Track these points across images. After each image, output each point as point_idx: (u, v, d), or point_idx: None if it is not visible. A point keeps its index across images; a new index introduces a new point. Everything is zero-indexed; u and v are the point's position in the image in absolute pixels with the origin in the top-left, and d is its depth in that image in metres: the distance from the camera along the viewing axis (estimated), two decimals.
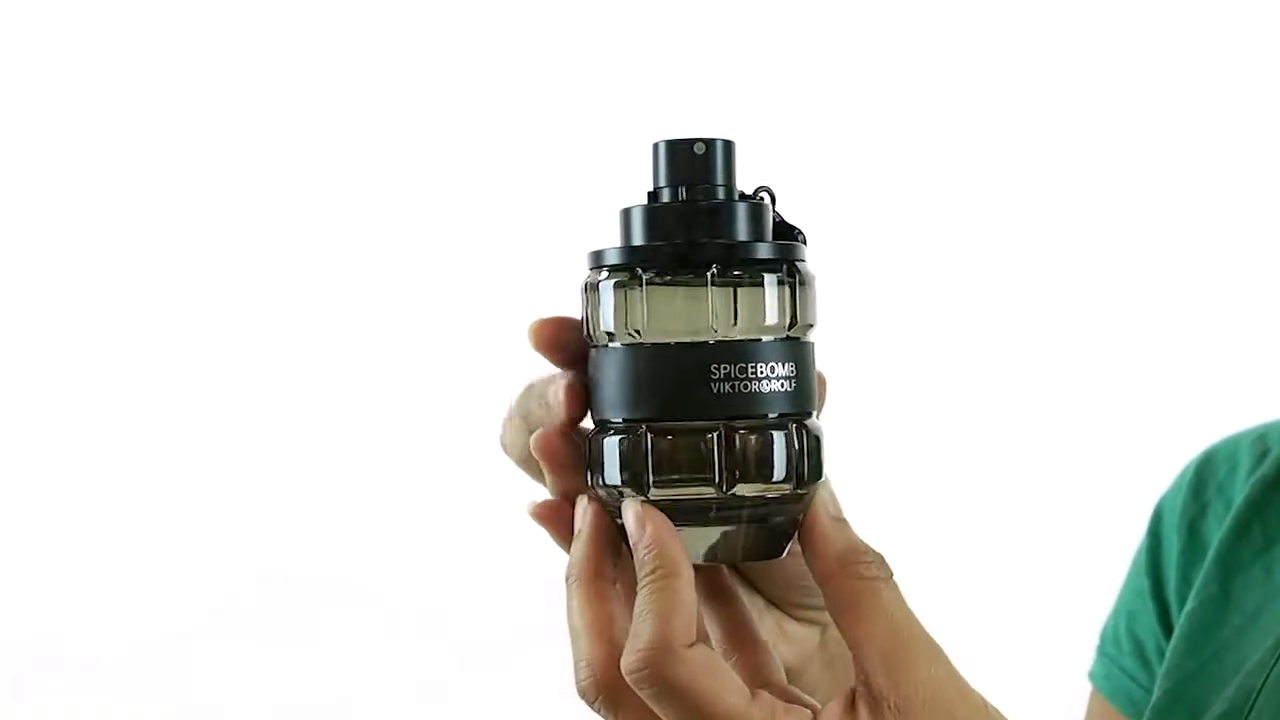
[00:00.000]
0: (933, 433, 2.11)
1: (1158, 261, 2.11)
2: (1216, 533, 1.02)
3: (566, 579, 0.73)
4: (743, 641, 0.76)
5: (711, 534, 0.72)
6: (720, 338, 0.71)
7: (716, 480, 0.71)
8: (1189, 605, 0.99)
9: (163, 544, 2.19)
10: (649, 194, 0.74)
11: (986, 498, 2.10)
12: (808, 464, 0.72)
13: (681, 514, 0.72)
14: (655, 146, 0.74)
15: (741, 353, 0.71)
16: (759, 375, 0.71)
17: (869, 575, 0.72)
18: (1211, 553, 1.00)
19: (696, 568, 0.72)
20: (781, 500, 0.72)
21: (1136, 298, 2.11)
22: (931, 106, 2.14)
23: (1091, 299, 2.12)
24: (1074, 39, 2.14)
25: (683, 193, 0.73)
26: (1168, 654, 0.99)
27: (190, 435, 2.20)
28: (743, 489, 0.71)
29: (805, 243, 0.75)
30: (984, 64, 2.14)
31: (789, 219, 0.75)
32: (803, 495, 0.73)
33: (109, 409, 2.20)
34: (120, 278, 2.19)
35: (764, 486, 0.72)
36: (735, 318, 0.71)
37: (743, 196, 0.74)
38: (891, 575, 0.73)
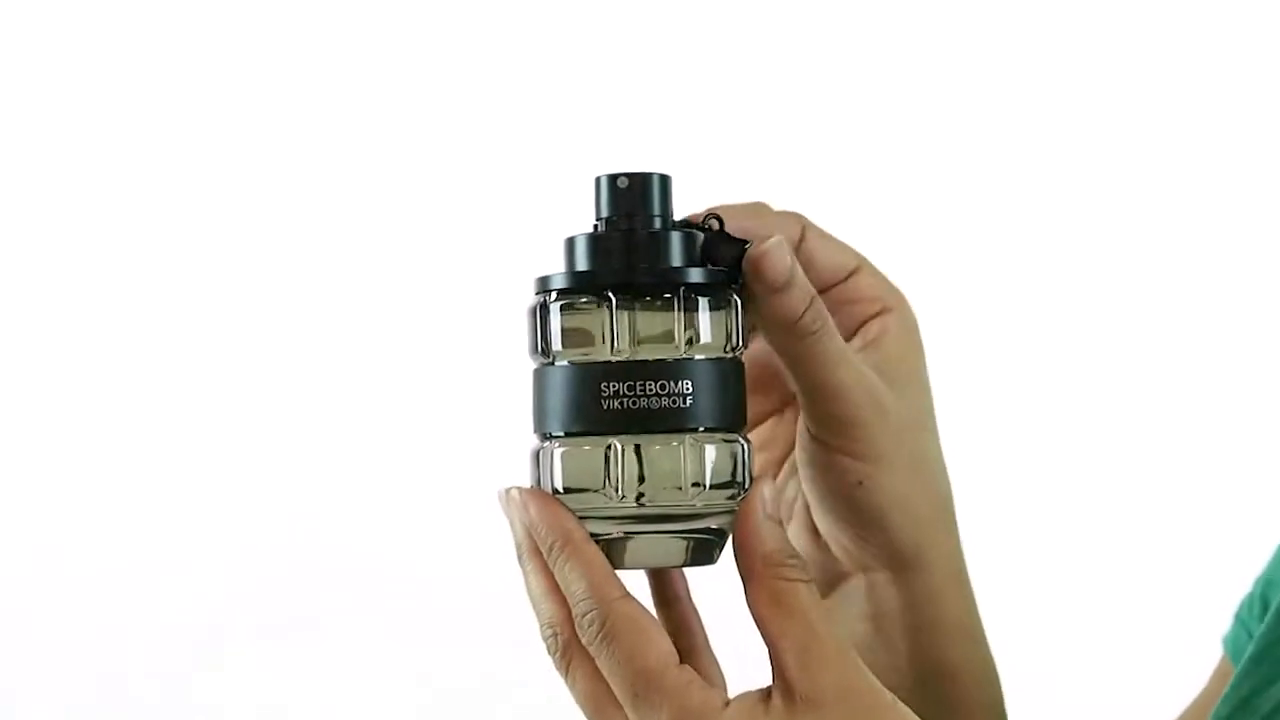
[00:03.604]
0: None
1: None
2: None
3: (519, 559, 0.79)
4: (688, 648, 0.81)
5: (618, 543, 0.78)
6: (614, 358, 0.77)
7: (604, 493, 0.77)
8: None
9: (162, 544, 2.18)
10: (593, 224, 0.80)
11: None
12: (702, 477, 0.77)
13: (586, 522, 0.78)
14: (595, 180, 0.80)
15: (627, 372, 0.76)
16: (646, 393, 0.76)
17: (791, 577, 0.76)
18: None
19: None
20: (689, 513, 0.78)
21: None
22: (928, 110, 2.10)
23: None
24: (1073, 39, 2.07)
25: (607, 224, 0.79)
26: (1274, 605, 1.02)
27: (189, 436, 2.20)
28: (631, 501, 0.77)
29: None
30: (982, 64, 2.09)
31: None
32: (706, 510, 0.78)
33: (109, 409, 2.20)
34: (120, 278, 2.19)
35: (661, 497, 0.77)
36: (631, 339, 0.77)
37: (677, 225, 0.79)
38: (811, 579, 0.77)
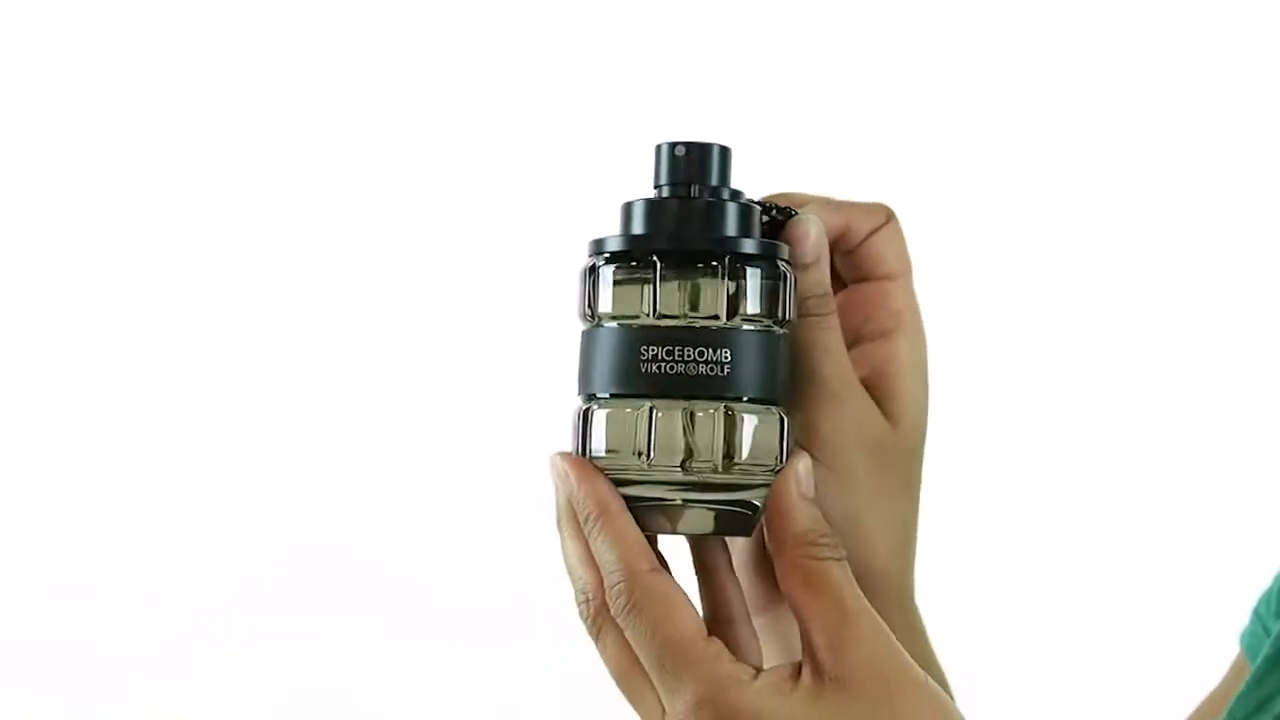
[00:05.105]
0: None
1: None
2: None
3: (557, 524, 0.79)
4: (726, 618, 0.81)
5: (653, 508, 0.78)
6: (655, 322, 0.77)
7: (641, 456, 0.77)
8: None
9: (161, 541, 2.18)
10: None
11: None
12: (737, 448, 0.77)
13: (620, 486, 0.78)
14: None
15: (667, 336, 0.77)
16: (684, 359, 0.76)
17: (822, 556, 0.77)
18: None
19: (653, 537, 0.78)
20: (724, 483, 0.78)
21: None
22: (938, 108, 2.10)
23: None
24: (1076, 39, 2.07)
25: (664, 191, 0.79)
26: None
27: (189, 433, 2.19)
28: (661, 466, 0.77)
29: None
30: (989, 65, 2.09)
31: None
32: (739, 481, 0.78)
33: (109, 408, 2.19)
34: (120, 278, 2.19)
35: (681, 465, 0.77)
36: (679, 304, 0.77)
37: (734, 197, 0.79)
38: (844, 556, 0.77)
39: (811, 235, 0.82)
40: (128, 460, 2.20)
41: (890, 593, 0.86)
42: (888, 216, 0.86)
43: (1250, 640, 1.12)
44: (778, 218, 0.81)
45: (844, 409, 0.83)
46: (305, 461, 2.20)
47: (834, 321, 0.83)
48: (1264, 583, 1.12)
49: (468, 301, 2.17)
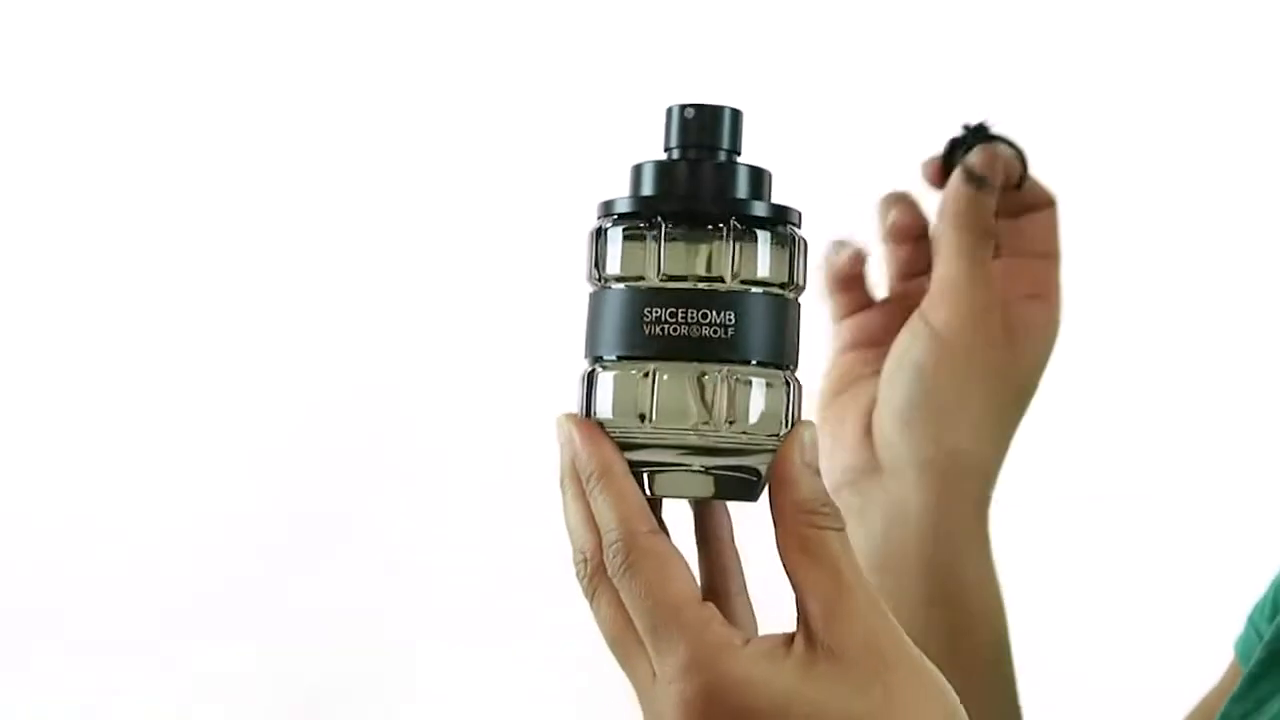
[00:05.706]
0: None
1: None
2: None
3: (560, 485, 0.80)
4: (722, 590, 0.81)
5: (652, 469, 0.78)
6: (659, 284, 0.77)
7: (644, 419, 0.77)
8: None
9: (160, 538, 2.16)
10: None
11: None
12: (742, 412, 0.77)
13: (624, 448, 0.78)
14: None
15: (672, 298, 0.77)
16: (689, 321, 0.76)
17: (822, 525, 0.76)
18: None
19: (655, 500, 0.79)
20: (728, 447, 0.77)
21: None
22: (941, 99, 2.06)
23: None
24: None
25: (674, 154, 0.79)
26: None
27: (187, 424, 2.17)
28: (664, 429, 0.77)
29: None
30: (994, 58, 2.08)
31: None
32: (744, 445, 0.77)
33: (107, 404, 2.17)
34: (118, 274, 2.16)
35: (685, 428, 0.77)
36: (685, 267, 0.77)
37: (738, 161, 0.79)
38: (844, 528, 0.77)
39: (994, 160, 0.97)
40: (127, 453, 2.18)
41: (979, 475, 0.99)
42: (1052, 202, 1.00)
43: (1244, 646, 1.13)
44: (972, 135, 0.93)
45: (968, 300, 0.96)
46: (304, 457, 2.19)
47: (989, 247, 0.97)
48: (1259, 591, 1.14)
49: (469, 306, 2.16)
